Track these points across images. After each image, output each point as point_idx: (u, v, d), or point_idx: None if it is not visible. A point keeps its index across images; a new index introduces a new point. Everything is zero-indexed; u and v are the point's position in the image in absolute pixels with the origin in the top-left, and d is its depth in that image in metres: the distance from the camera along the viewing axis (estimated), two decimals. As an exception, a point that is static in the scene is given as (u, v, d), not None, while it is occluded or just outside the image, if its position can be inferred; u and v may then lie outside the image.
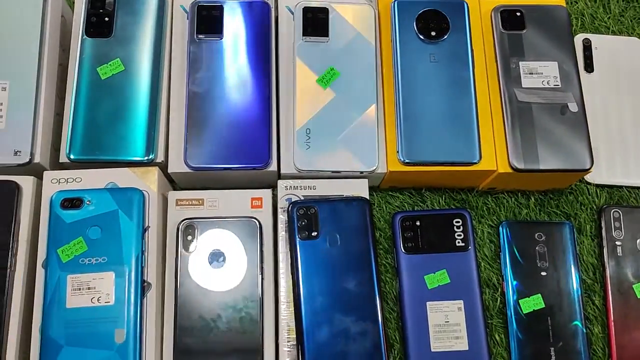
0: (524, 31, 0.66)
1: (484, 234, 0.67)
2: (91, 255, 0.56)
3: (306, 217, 0.60)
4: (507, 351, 0.64)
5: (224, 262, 0.58)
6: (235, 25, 0.64)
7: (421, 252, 0.64)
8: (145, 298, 0.56)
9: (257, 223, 0.59)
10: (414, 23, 0.65)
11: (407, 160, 0.61)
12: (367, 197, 0.61)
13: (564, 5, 0.67)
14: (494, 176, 0.63)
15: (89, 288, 0.55)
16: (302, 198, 0.62)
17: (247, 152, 0.61)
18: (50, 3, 0.63)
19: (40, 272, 0.56)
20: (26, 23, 0.62)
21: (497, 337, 0.64)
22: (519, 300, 0.64)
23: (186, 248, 0.58)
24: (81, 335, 0.54)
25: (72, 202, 0.57)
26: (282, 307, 0.58)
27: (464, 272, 0.63)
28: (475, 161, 0.61)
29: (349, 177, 0.62)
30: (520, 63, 0.64)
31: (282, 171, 0.62)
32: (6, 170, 0.59)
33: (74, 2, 0.66)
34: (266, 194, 0.61)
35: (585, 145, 0.62)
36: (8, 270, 0.55)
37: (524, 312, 0.64)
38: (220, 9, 0.65)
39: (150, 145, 0.61)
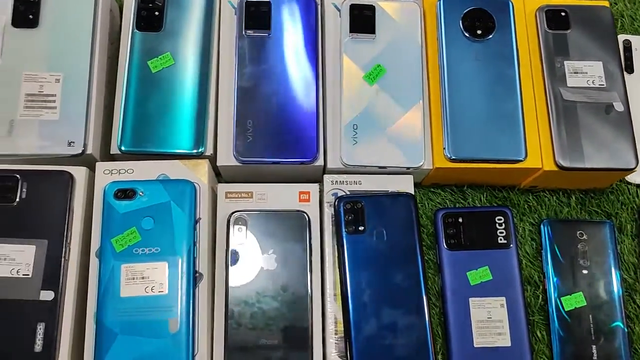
0: (569, 31, 0.66)
1: (525, 231, 0.68)
2: (144, 246, 0.56)
3: (353, 212, 0.61)
4: (549, 348, 0.64)
5: (273, 255, 0.59)
6: (282, 21, 0.65)
7: (463, 249, 0.64)
8: (197, 288, 0.57)
9: (306, 216, 0.60)
10: (460, 21, 0.65)
11: (453, 157, 0.62)
12: (413, 193, 0.62)
13: (608, 5, 0.68)
14: (538, 174, 0.63)
15: (142, 277, 0.56)
16: (348, 193, 0.62)
17: (295, 146, 0.62)
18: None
19: (94, 262, 0.57)
20: (79, 17, 0.63)
21: (539, 334, 0.65)
22: (561, 298, 0.65)
23: (236, 240, 0.59)
24: (135, 324, 0.54)
25: (126, 192, 0.58)
26: (329, 299, 0.59)
27: (506, 269, 0.64)
28: (521, 159, 0.62)
29: (394, 173, 0.63)
30: (565, 62, 0.65)
31: (329, 166, 0.63)
32: (57, 161, 0.60)
33: (121, -4, 0.67)
34: (313, 188, 0.62)
35: (630, 144, 0.63)
36: (62, 259, 0.56)
37: (566, 310, 0.64)
38: (268, 4, 0.65)
39: (200, 139, 0.62)
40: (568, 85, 0.64)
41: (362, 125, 0.63)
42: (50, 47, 0.62)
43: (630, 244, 0.68)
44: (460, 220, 0.65)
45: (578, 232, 0.66)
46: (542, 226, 0.67)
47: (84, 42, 0.62)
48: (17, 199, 0.57)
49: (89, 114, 0.61)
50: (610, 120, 0.63)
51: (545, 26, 0.66)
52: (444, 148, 0.62)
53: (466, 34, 0.65)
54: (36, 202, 0.57)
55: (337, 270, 0.60)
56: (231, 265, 0.58)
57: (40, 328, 0.54)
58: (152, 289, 0.55)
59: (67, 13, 0.63)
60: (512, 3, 0.66)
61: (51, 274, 0.56)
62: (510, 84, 0.64)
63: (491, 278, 0.63)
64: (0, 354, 0.54)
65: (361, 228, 0.60)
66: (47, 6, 0.63)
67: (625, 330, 0.64)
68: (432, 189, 0.69)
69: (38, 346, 0.54)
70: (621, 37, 0.74)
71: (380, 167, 0.62)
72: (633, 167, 0.62)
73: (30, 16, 0.62)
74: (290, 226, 0.59)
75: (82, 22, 0.63)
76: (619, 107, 0.63)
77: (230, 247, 0.58)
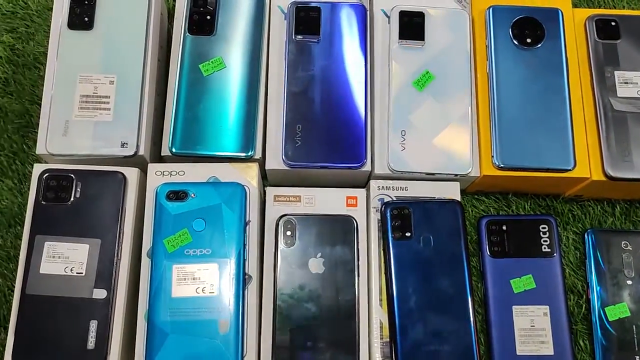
0: (619, 40, 0.66)
1: (569, 240, 0.68)
2: (196, 247, 0.57)
3: (400, 218, 0.61)
4: (592, 358, 0.64)
5: (321, 259, 0.59)
6: (332, 27, 0.66)
7: (507, 257, 0.65)
8: (246, 290, 0.57)
9: (354, 221, 0.60)
10: (510, 29, 0.65)
11: (501, 165, 0.62)
12: (460, 200, 0.62)
13: (658, 14, 0.67)
14: (586, 183, 0.63)
15: (194, 278, 0.56)
16: (395, 198, 0.63)
17: (343, 152, 0.62)
18: (154, 1, 0.65)
19: (145, 261, 0.58)
20: (133, 19, 0.64)
21: (582, 344, 0.64)
22: (604, 308, 0.64)
23: (285, 243, 0.59)
24: (186, 324, 0.55)
25: (178, 194, 0.59)
26: (374, 304, 0.59)
27: (550, 278, 0.64)
28: (569, 168, 0.62)
29: (440, 180, 0.63)
30: (615, 72, 0.64)
31: (376, 171, 0.63)
32: (110, 161, 0.61)
33: (172, 0, 0.68)
34: (361, 193, 0.62)
35: (680, 156, 0.62)
36: (115, 258, 0.57)
37: (609, 320, 0.64)
38: (317, 10, 0.66)
39: (250, 142, 0.62)
40: (618, 95, 0.64)
41: (410, 131, 0.63)
42: (104, 49, 0.63)
43: (676, 256, 0.67)
44: (504, 227, 0.65)
45: (623, 243, 0.66)
46: (586, 235, 0.67)
47: (137, 45, 0.63)
48: (72, 199, 0.58)
49: (142, 116, 0.62)
50: (660, 131, 0.63)
51: (595, 36, 0.66)
52: (492, 156, 0.62)
53: (515, 42, 0.65)
54: (90, 201, 0.59)
55: (383, 275, 0.60)
56: (279, 268, 0.59)
57: (93, 325, 0.56)
58: (203, 290, 0.56)
59: (121, 16, 0.64)
60: (561, 12, 0.66)
61: (104, 273, 0.57)
62: (559, 93, 0.64)
63: (535, 286, 0.63)
64: (54, 350, 0.55)
65: (408, 234, 0.61)
66: (101, 9, 0.64)
67: (670, 342, 0.63)
68: (476, 196, 0.69)
69: (91, 343, 0.55)
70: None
71: (427, 174, 0.62)
72: (682, 178, 0.62)
73: (86, 18, 0.63)
74: (338, 230, 0.60)
75: (136, 25, 0.64)
76: (669, 118, 0.63)
77: (279, 250, 0.59)
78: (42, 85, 0.69)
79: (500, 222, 0.66)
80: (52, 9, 0.72)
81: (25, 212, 0.65)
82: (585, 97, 0.65)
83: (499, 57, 0.65)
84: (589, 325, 0.65)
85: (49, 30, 0.71)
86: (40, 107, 0.62)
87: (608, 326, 0.64)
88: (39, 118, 0.68)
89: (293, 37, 0.65)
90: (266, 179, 0.66)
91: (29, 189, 0.66)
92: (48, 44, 0.71)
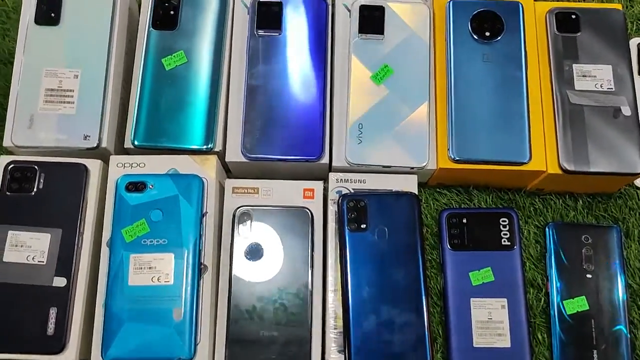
0: (579, 34, 0.66)
1: (530, 234, 0.68)
2: (152, 237, 0.59)
3: (356, 210, 0.62)
4: (549, 351, 0.64)
5: (276, 250, 0.60)
6: (294, 21, 0.67)
7: (467, 249, 0.65)
8: (201, 280, 0.59)
9: (310, 213, 0.61)
10: (469, 23, 0.66)
11: (457, 158, 0.62)
12: (416, 193, 0.63)
13: (621, 8, 0.67)
14: (543, 177, 0.64)
15: (150, 267, 0.58)
16: (352, 191, 0.63)
17: (301, 144, 0.63)
18: (119, -3, 0.67)
19: (104, 251, 0.59)
20: (98, 15, 0.65)
21: (540, 337, 0.65)
22: (563, 302, 0.65)
23: (241, 234, 0.61)
24: (142, 312, 0.57)
25: (137, 185, 0.60)
26: (330, 295, 0.60)
27: (509, 271, 0.64)
28: (525, 161, 0.62)
29: (398, 173, 0.64)
30: (574, 65, 0.65)
31: (334, 164, 0.64)
32: (73, 153, 0.63)
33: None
34: (318, 185, 0.63)
35: (637, 149, 0.62)
36: (75, 247, 0.59)
37: (568, 314, 0.64)
38: (279, 5, 0.67)
39: (210, 135, 0.63)
40: (576, 88, 0.64)
41: (368, 124, 0.64)
42: (69, 44, 0.64)
43: (638, 250, 0.67)
44: (465, 220, 0.66)
45: (583, 236, 0.66)
46: (547, 229, 0.67)
47: (102, 40, 0.65)
48: (35, 189, 0.60)
49: (105, 109, 0.63)
50: (617, 125, 0.63)
51: (555, 29, 0.66)
52: (448, 149, 0.63)
53: (474, 36, 0.65)
54: (52, 192, 0.60)
55: (339, 266, 0.61)
56: (235, 259, 0.60)
57: (53, 312, 0.57)
58: (158, 279, 0.58)
59: (87, 11, 0.65)
60: (522, 5, 0.66)
61: (64, 262, 0.59)
62: (517, 86, 0.64)
63: (493, 279, 0.64)
64: (14, 336, 0.57)
65: (363, 226, 0.61)
66: (68, 4, 0.65)
67: (628, 335, 0.63)
68: (438, 190, 0.69)
69: (50, 330, 0.57)
70: (636, 40, 0.73)
71: (384, 167, 0.63)
72: (639, 171, 0.62)
73: (52, 14, 0.65)
74: (293, 222, 0.61)
75: (101, 20, 0.65)
76: (626, 111, 0.63)
77: (235, 241, 0.60)
78: (14, 80, 0.72)
79: (460, 215, 0.66)
80: (26, 5, 0.74)
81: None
82: (544, 90, 0.65)
83: (458, 50, 0.65)
84: (547, 319, 0.65)
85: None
86: (10, 101, 0.64)
87: (567, 319, 0.64)
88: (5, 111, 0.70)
89: (255, 32, 0.66)
90: (230, 171, 0.68)
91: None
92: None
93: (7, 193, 0.60)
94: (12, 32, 0.74)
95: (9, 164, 0.61)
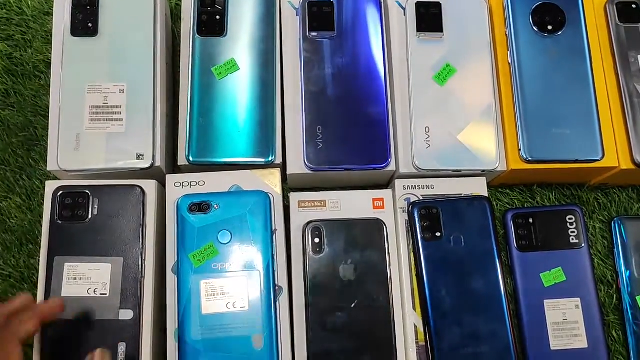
0: (641, 23, 0.64)
1: (595, 229, 0.67)
2: (223, 260, 0.55)
3: (429, 218, 0.59)
4: (625, 348, 0.63)
5: (351, 264, 0.57)
6: (346, 21, 0.63)
7: (536, 250, 0.63)
8: (277, 302, 0.56)
9: (383, 224, 0.58)
10: (530, 17, 0.63)
11: (529, 158, 0.60)
12: (487, 196, 0.61)
13: (680, -5, 0.66)
14: (614, 172, 0.62)
15: (223, 293, 0.54)
16: (421, 198, 0.61)
17: (367, 152, 0.60)
18: (159, 3, 0.62)
19: (171, 278, 0.56)
20: (139, 23, 0.61)
21: (615, 334, 0.64)
22: (635, 297, 0.64)
23: (314, 250, 0.57)
24: (219, 341, 0.53)
25: (200, 206, 0.56)
26: (407, 308, 0.58)
27: (580, 269, 0.63)
28: (598, 158, 0.61)
29: (466, 176, 0.62)
30: (639, 57, 0.63)
31: (401, 170, 0.61)
32: (122, 175, 0.58)
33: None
34: (387, 194, 0.60)
35: None
36: (139, 276, 0.55)
37: (641, 308, 0.63)
38: (330, 4, 0.63)
39: (270, 147, 0.60)
40: (644, 80, 0.63)
41: (434, 127, 0.61)
42: (111, 56, 0.59)
43: (703, 239, 0.67)
44: (531, 220, 0.64)
45: (651, 229, 0.65)
46: (613, 224, 0.66)
47: (145, 49, 0.60)
48: (89, 216, 0.56)
49: (155, 125, 0.59)
50: (687, 116, 0.62)
51: (617, 19, 0.64)
52: (519, 149, 0.61)
53: (536, 30, 0.63)
54: (108, 218, 0.56)
55: (415, 277, 0.59)
56: (310, 277, 0.57)
57: (122, 349, 0.53)
58: (233, 305, 0.54)
59: (126, 19, 0.61)
60: (581, -5, 0.64)
61: (129, 293, 0.55)
62: (584, 80, 0.62)
63: (565, 279, 0.62)
64: (82, 376, 0.53)
65: (438, 234, 0.59)
66: (105, 13, 0.60)
67: (703, 326, 0.63)
68: (500, 189, 0.67)
69: (120, 366, 0.53)
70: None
71: (454, 171, 0.61)
72: None
73: (89, 24, 0.60)
74: (366, 234, 0.58)
75: (142, 28, 0.61)
76: (696, 102, 0.62)
77: (309, 258, 0.57)
78: (45, 95, 0.67)
79: (526, 215, 0.65)
80: (48, 13, 0.69)
81: (37, 229, 0.63)
82: (609, 83, 0.63)
83: (521, 46, 0.63)
84: (620, 316, 0.64)
85: (47, 36, 0.68)
86: (45, 118, 0.59)
87: None
88: (43, 130, 0.65)
89: (307, 34, 0.63)
90: (285, 182, 0.64)
91: (38, 205, 0.64)
92: (47, 51, 0.68)
93: (59, 222, 0.56)
94: (35, 42, 0.69)
95: (57, 189, 0.56)
